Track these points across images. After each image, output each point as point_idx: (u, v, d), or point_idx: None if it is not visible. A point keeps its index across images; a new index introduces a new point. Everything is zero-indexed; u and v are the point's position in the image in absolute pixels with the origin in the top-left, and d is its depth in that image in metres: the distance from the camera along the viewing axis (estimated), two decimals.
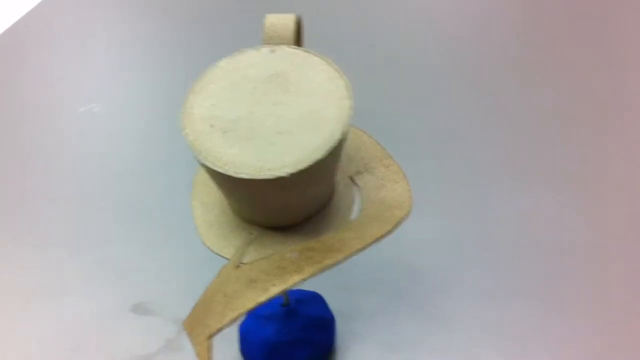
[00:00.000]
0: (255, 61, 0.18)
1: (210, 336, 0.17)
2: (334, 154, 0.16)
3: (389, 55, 0.58)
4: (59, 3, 0.72)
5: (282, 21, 0.19)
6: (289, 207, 0.19)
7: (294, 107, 0.17)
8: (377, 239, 0.18)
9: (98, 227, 0.40)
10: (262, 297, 0.17)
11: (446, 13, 0.65)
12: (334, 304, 0.32)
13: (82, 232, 0.40)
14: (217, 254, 0.20)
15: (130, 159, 0.47)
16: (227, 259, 0.19)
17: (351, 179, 0.21)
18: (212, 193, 0.22)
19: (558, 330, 0.32)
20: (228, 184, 0.17)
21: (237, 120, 0.17)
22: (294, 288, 0.17)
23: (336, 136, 0.16)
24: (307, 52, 0.18)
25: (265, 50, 0.18)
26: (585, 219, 0.39)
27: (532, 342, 0.32)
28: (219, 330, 0.17)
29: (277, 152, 0.16)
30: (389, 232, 0.19)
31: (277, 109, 0.17)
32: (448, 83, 0.54)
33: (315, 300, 0.31)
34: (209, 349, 0.17)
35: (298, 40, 0.21)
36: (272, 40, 0.19)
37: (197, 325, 0.18)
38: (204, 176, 0.22)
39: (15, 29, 0.67)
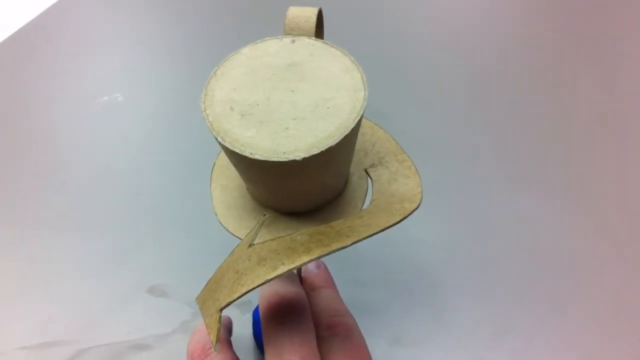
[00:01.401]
0: (275, 50, 0.19)
1: (220, 309, 0.17)
2: (347, 142, 0.17)
3: (394, 58, 0.59)
4: None
5: (304, 13, 0.19)
6: (301, 191, 0.19)
7: (309, 95, 0.17)
8: (385, 228, 0.19)
9: (117, 212, 0.41)
10: (271, 275, 0.17)
11: (456, 19, 0.66)
12: (346, 298, 0.32)
13: (101, 216, 0.41)
14: (232, 234, 0.21)
15: (150, 146, 0.48)
16: (241, 239, 0.20)
17: (366, 171, 0.22)
18: (231, 176, 0.23)
19: (560, 329, 0.33)
20: (244, 165, 0.17)
21: (254, 105, 0.17)
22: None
23: (349, 124, 0.16)
24: (325, 43, 0.19)
25: (286, 40, 0.19)
26: (584, 223, 0.39)
27: (535, 340, 0.32)
28: (229, 304, 0.17)
29: (292, 137, 0.16)
30: (397, 222, 0.19)
31: (292, 95, 0.17)
32: (451, 89, 0.54)
33: None
34: (218, 321, 0.17)
35: (319, 33, 0.21)
36: (293, 31, 0.19)
37: (208, 299, 0.19)
38: (224, 160, 0.23)
39: (37, 23, 0.69)
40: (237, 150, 0.16)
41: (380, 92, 0.53)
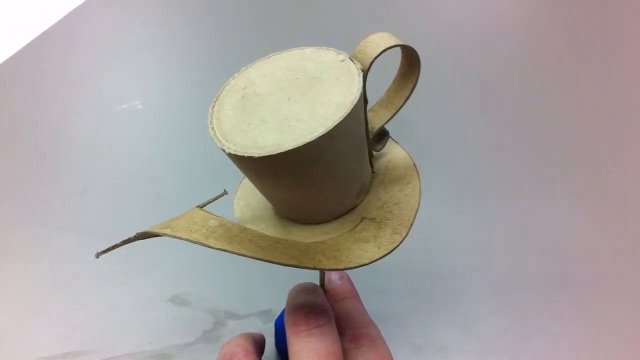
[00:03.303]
0: (323, 60, 0.19)
1: (137, 234, 0.19)
2: (274, 162, 0.16)
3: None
4: (101, 5, 0.75)
5: (376, 41, 0.18)
6: (272, 195, 0.20)
7: (293, 109, 0.17)
8: (276, 263, 0.18)
9: (137, 218, 0.41)
10: (155, 231, 0.19)
11: (476, 22, 0.66)
12: (369, 306, 0.32)
13: (122, 224, 0.41)
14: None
15: (171, 152, 0.48)
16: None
17: (362, 219, 0.21)
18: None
19: (587, 336, 0.32)
20: None
21: (257, 94, 0.18)
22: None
23: (283, 148, 0.15)
24: (358, 74, 0.18)
25: (341, 56, 0.19)
26: (614, 228, 0.39)
27: (561, 347, 0.32)
28: (141, 234, 0.19)
29: (244, 132, 0.17)
30: (290, 265, 0.18)
31: (285, 102, 0.17)
32: (458, 93, 0.54)
33: None
34: (126, 241, 0.20)
35: (406, 71, 0.22)
36: (359, 54, 0.18)
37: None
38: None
39: (55, 31, 0.69)
40: (208, 121, 0.18)
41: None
